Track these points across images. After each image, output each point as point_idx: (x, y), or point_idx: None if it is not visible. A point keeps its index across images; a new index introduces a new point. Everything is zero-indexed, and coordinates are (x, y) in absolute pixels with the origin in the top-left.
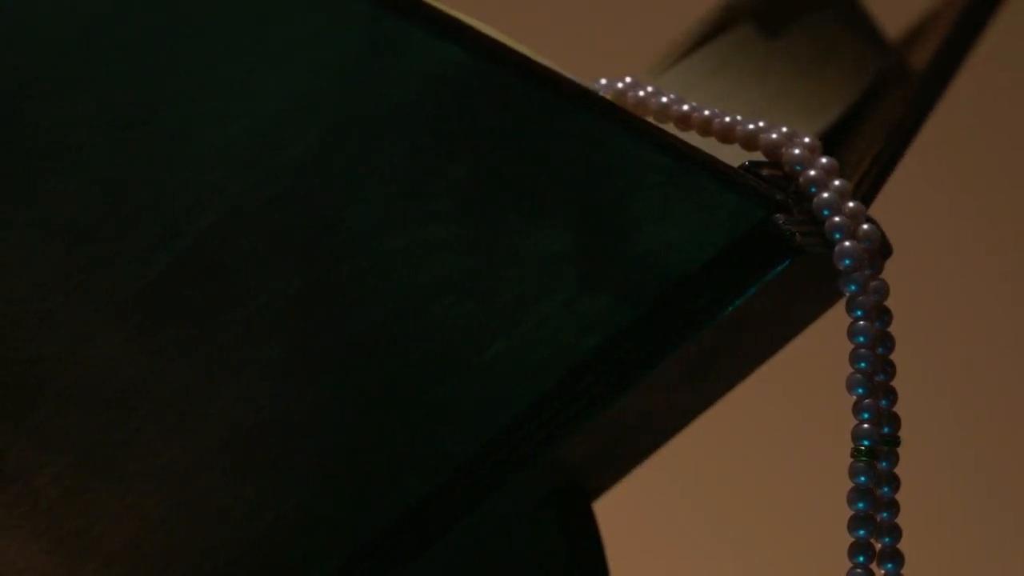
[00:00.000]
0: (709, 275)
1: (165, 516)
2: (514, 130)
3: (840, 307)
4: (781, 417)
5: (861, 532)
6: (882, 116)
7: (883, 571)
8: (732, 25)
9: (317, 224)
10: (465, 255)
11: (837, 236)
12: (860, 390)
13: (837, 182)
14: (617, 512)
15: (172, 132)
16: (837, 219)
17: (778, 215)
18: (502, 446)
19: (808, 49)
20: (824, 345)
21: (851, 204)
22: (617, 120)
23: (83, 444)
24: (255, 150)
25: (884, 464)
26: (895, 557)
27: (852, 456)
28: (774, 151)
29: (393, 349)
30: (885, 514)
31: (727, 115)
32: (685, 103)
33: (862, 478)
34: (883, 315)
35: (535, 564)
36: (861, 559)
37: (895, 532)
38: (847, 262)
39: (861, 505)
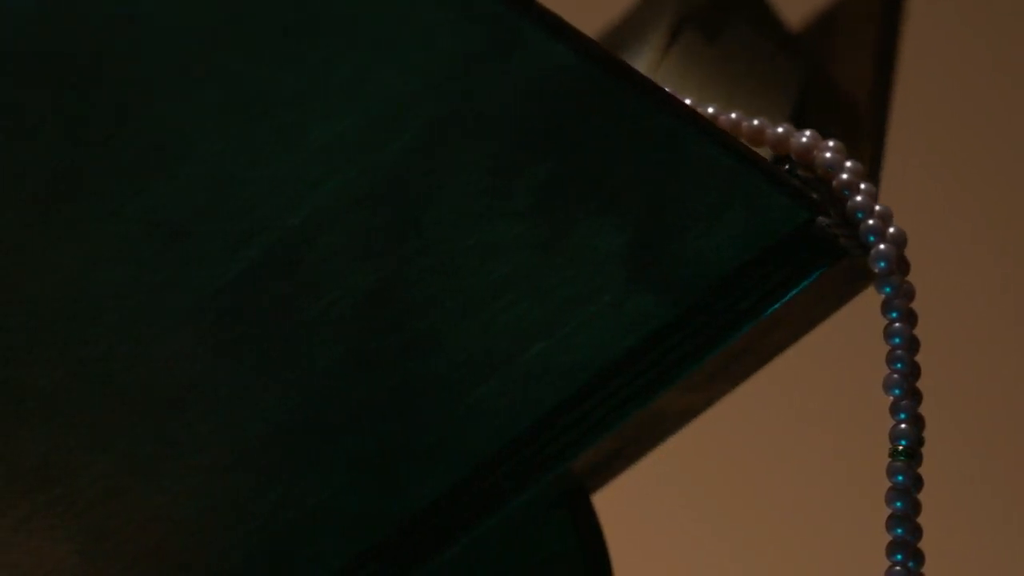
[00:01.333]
0: (752, 276)
1: (191, 517)
2: (600, 131)
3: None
4: (780, 416)
5: (899, 531)
6: (841, 120)
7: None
8: (679, 34)
9: (398, 222)
10: (529, 254)
11: (871, 239)
12: (897, 391)
13: (863, 185)
14: (619, 512)
15: (285, 128)
16: (871, 222)
17: (821, 218)
18: (530, 446)
19: (735, 61)
20: (822, 345)
21: (878, 207)
22: (694, 122)
23: (131, 444)
24: (357, 147)
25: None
26: (916, 555)
27: (890, 456)
28: (807, 154)
29: (443, 349)
30: (899, 504)
31: (755, 118)
32: (710, 106)
33: (900, 477)
34: (910, 317)
35: (550, 565)
36: (899, 557)
37: (917, 531)
38: (882, 264)
39: (899, 504)
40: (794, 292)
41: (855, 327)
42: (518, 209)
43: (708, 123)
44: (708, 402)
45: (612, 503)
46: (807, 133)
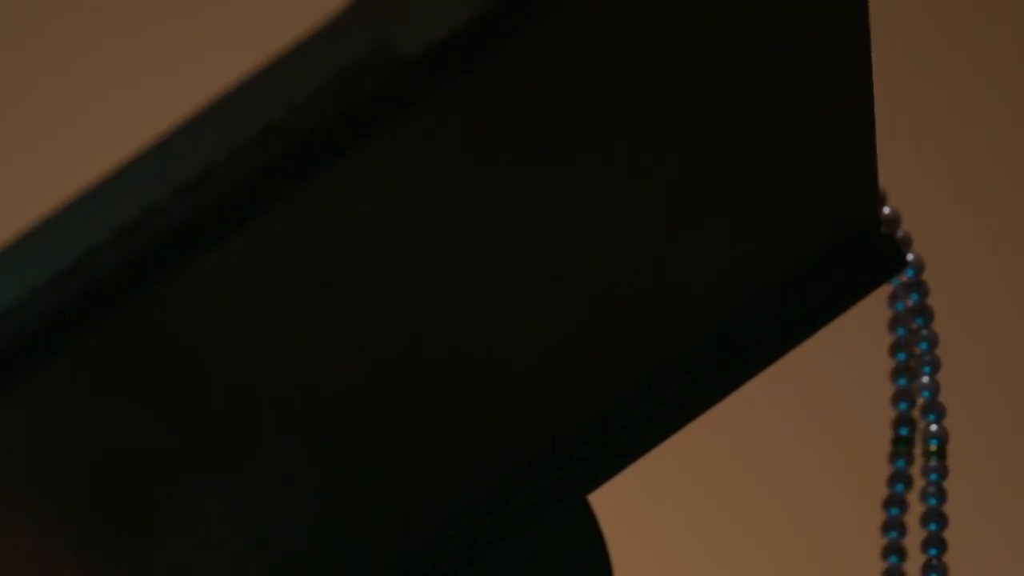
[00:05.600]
0: (822, 282)
1: (310, 528)
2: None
3: None
4: (779, 415)
5: (933, 526)
6: None
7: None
8: None
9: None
10: (690, 262)
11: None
12: (927, 393)
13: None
14: (618, 511)
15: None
16: (900, 233)
17: (883, 228)
18: (594, 442)
19: None
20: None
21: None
22: None
23: (337, 457)
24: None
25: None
26: (945, 549)
27: (924, 456)
28: None
29: (567, 353)
30: (933, 500)
31: None
32: None
33: (934, 476)
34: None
35: (571, 561)
36: (934, 551)
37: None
38: (911, 273)
39: (933, 501)
40: (860, 298)
41: (851, 325)
42: (725, 228)
43: None
44: None
45: (612, 503)
46: None
